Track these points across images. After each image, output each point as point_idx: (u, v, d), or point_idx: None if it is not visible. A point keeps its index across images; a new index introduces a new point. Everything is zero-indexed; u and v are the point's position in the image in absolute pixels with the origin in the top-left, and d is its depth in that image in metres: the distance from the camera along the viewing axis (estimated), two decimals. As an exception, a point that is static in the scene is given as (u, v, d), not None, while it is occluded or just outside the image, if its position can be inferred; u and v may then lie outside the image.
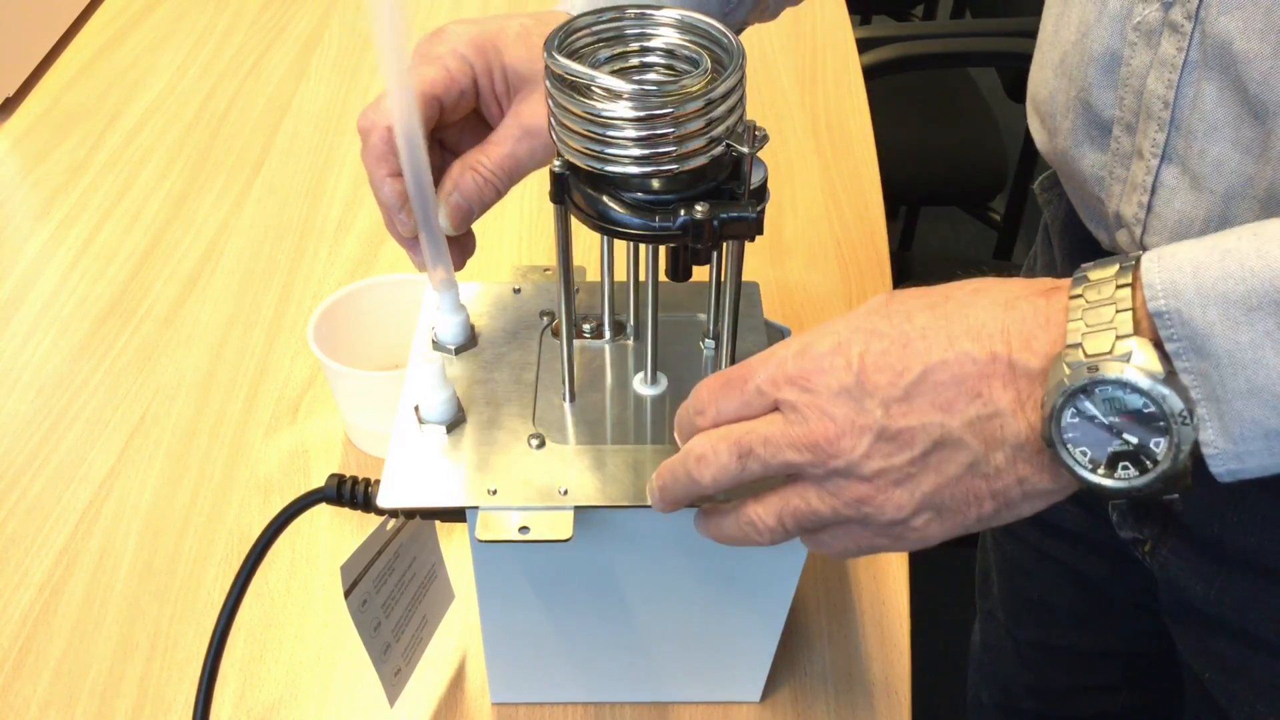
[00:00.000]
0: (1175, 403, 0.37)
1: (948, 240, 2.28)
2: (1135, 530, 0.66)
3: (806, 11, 1.30)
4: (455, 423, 0.52)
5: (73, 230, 0.97)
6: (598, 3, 0.55)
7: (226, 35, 1.25)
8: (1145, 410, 0.38)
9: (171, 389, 0.82)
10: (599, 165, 0.44)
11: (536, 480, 0.50)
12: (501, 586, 0.54)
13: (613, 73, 0.45)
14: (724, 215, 0.44)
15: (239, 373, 0.83)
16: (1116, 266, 0.40)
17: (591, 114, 0.42)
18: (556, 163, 0.46)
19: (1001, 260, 1.66)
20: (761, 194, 0.45)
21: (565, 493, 0.49)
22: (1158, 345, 0.38)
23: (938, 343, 0.40)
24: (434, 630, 0.63)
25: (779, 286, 0.92)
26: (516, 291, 0.60)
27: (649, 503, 0.48)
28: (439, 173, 0.53)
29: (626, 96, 0.42)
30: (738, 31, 0.73)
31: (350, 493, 0.52)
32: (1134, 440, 0.38)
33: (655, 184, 0.44)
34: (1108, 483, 0.39)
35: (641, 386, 0.55)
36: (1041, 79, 0.62)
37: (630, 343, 0.57)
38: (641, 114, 0.42)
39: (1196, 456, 0.38)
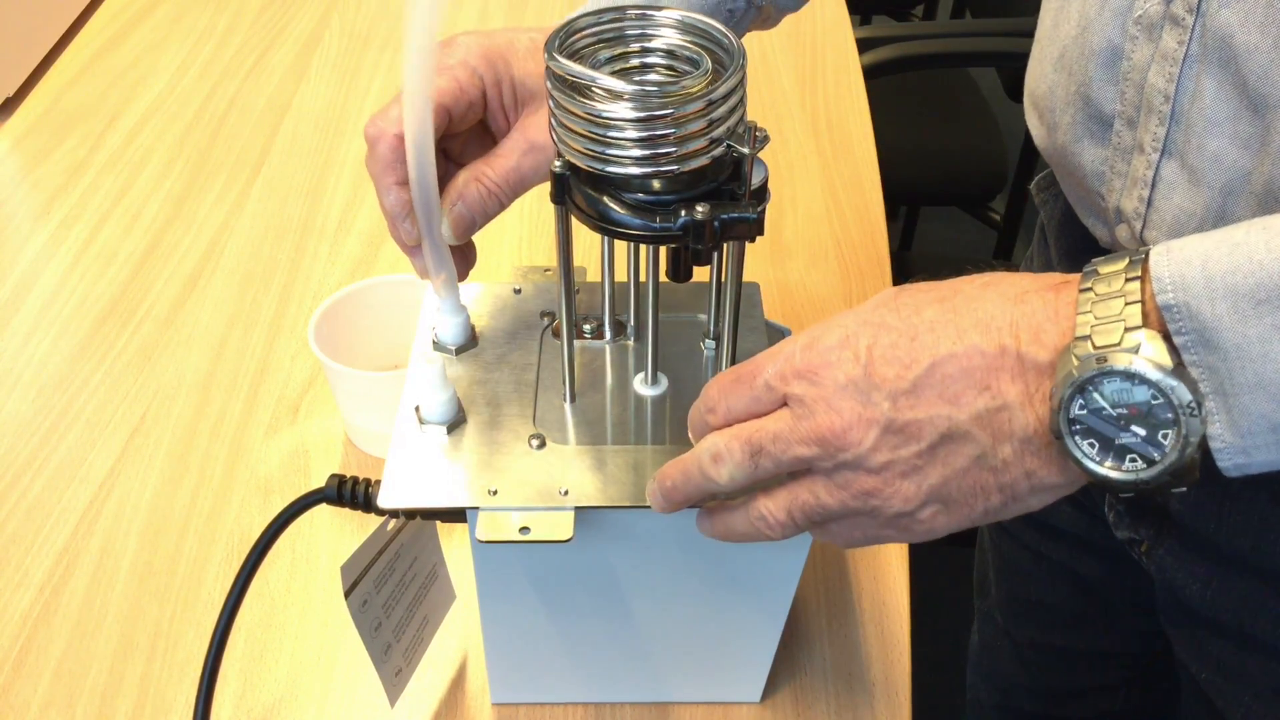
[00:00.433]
0: (1183, 395, 0.37)
1: (948, 240, 2.28)
2: (1132, 531, 0.66)
3: (806, 11, 1.30)
4: (456, 423, 0.52)
5: (73, 230, 0.97)
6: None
7: (226, 35, 1.25)
8: (1153, 402, 0.38)
9: (171, 389, 0.82)
10: (599, 166, 0.44)
11: (537, 481, 0.50)
12: (502, 587, 0.54)
13: (613, 73, 0.45)
14: (724, 216, 0.44)
15: (239, 373, 0.83)
16: (1126, 260, 0.40)
17: (592, 115, 0.42)
18: (557, 163, 0.46)
19: (1002, 260, 1.66)
20: (762, 194, 0.45)
21: (566, 493, 0.49)
22: (1166, 338, 0.38)
23: (946, 335, 0.41)
24: (435, 630, 0.63)
25: (779, 287, 0.92)
26: (517, 292, 0.60)
27: (648, 504, 0.48)
28: (442, 182, 0.53)
29: (627, 97, 0.42)
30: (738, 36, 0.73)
31: (351, 493, 0.52)
32: (1141, 433, 0.38)
33: (656, 184, 0.44)
34: (1115, 475, 0.39)
35: (642, 387, 0.55)
36: (1040, 74, 0.62)
37: (631, 343, 0.57)
38: (642, 115, 0.42)
39: (1204, 451, 0.38)
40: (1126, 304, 0.38)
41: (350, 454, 0.77)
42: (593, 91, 0.43)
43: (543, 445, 0.51)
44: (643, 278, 0.55)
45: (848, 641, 0.66)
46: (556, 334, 0.57)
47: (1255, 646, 0.62)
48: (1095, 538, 0.74)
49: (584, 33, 0.46)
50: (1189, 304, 0.37)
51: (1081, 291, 0.40)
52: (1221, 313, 0.37)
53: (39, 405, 0.81)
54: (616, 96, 0.42)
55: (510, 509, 0.48)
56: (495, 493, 0.49)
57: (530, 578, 0.54)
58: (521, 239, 0.96)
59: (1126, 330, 0.38)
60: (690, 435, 0.47)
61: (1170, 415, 0.38)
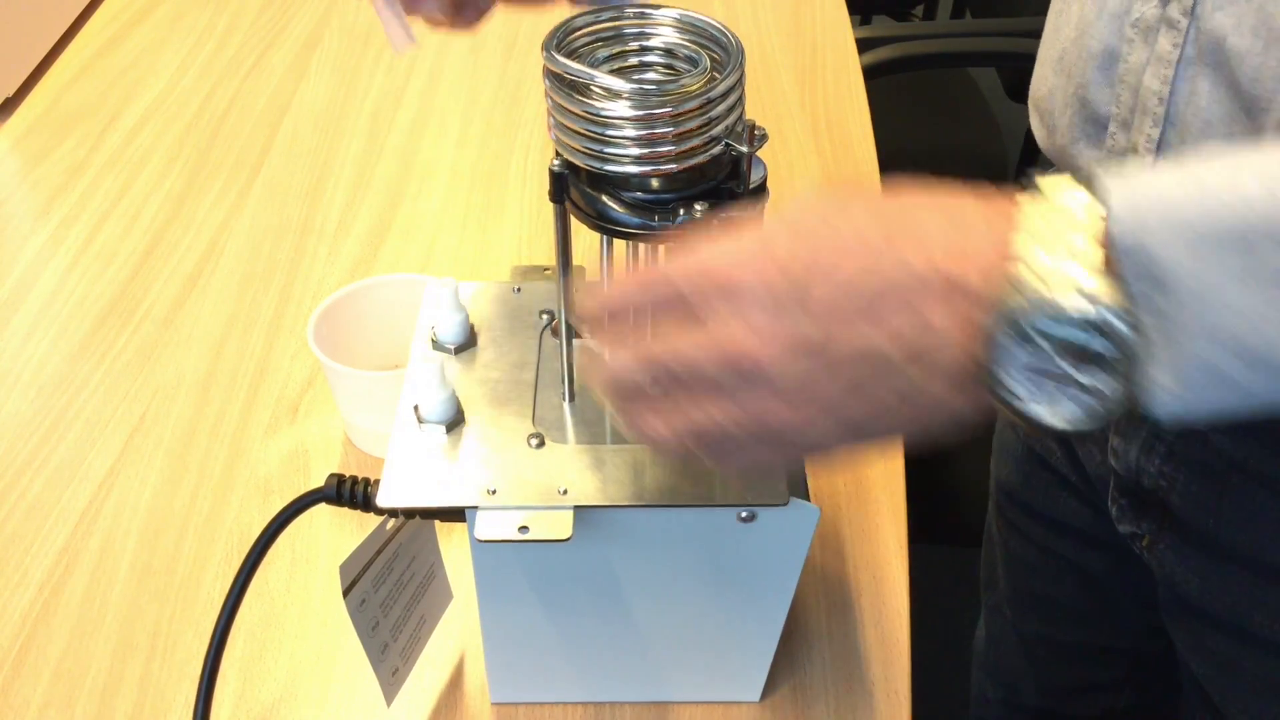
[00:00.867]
0: (1127, 335, 0.34)
1: (948, 240, 2.28)
2: (1134, 525, 0.67)
3: (806, 11, 1.30)
4: (455, 422, 0.52)
5: (73, 230, 0.97)
6: None
7: (226, 35, 1.25)
8: (1091, 341, 0.35)
9: (171, 389, 0.82)
10: (598, 164, 0.44)
11: (536, 480, 0.50)
12: (501, 586, 0.54)
13: (612, 72, 0.45)
14: (723, 214, 0.44)
15: (239, 373, 0.83)
16: (1075, 183, 0.36)
17: (591, 113, 0.42)
18: (556, 162, 0.46)
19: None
20: (761, 193, 0.45)
21: (565, 492, 0.49)
22: (1113, 273, 0.35)
23: (875, 251, 0.37)
24: (432, 630, 0.63)
25: (779, 286, 0.91)
26: (516, 291, 0.60)
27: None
28: None
29: (626, 96, 0.42)
30: None
31: (350, 492, 0.52)
32: (1075, 373, 0.35)
33: (654, 183, 0.44)
34: (1045, 417, 0.36)
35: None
36: (1041, 76, 0.62)
37: (630, 342, 0.57)
38: (641, 113, 0.42)
39: (1140, 396, 0.35)
40: (1072, 232, 0.35)
41: (350, 454, 0.77)
42: (591, 90, 0.43)
43: (542, 444, 0.51)
44: (642, 277, 0.55)
45: (848, 641, 0.66)
46: (555, 333, 0.57)
47: (1251, 641, 0.62)
48: (1100, 533, 0.74)
49: (582, 31, 0.46)
50: (1143, 242, 0.34)
51: (1023, 212, 0.37)
52: (1179, 253, 0.33)
53: (39, 405, 0.81)
54: (615, 95, 0.42)
55: (509, 508, 0.48)
56: (494, 492, 0.49)
57: (529, 577, 0.54)
58: (521, 239, 0.96)
59: (1070, 259, 0.35)
60: (579, 326, 0.43)
61: (1111, 355, 0.35)
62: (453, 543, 0.68)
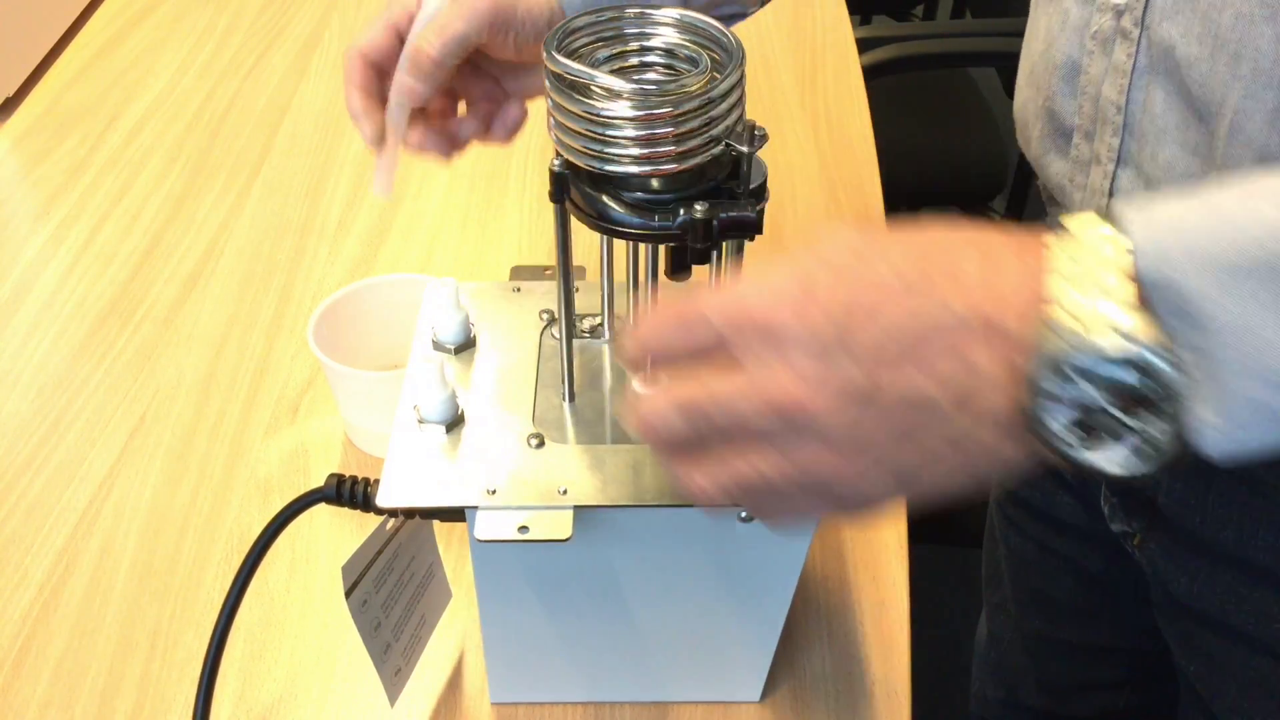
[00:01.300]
0: (1169, 374, 0.33)
1: (948, 240, 2.28)
2: (1125, 524, 0.67)
3: (806, 11, 1.30)
4: (454, 422, 0.52)
5: (73, 230, 0.97)
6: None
7: (226, 35, 1.25)
8: (1134, 383, 0.34)
9: (171, 389, 0.82)
10: (598, 165, 0.44)
11: (536, 480, 0.50)
12: (501, 586, 0.54)
13: (612, 72, 0.45)
14: (723, 214, 0.44)
15: (239, 373, 0.83)
16: (1098, 221, 0.36)
17: (591, 113, 0.42)
18: (556, 162, 0.46)
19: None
20: (761, 193, 0.45)
21: (564, 492, 0.49)
22: (1148, 310, 0.34)
23: (919, 294, 0.36)
24: (432, 629, 0.63)
25: (779, 286, 0.91)
26: (516, 291, 0.60)
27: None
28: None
29: (626, 96, 0.42)
30: (737, 20, 0.74)
31: (350, 492, 0.52)
32: (1123, 416, 0.34)
33: (655, 183, 0.44)
34: (1096, 462, 0.35)
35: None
36: (1018, 89, 0.64)
37: (630, 342, 0.57)
38: (641, 113, 0.42)
39: (1189, 436, 0.34)
40: (1102, 270, 0.34)
41: (350, 454, 0.77)
42: (592, 90, 0.43)
43: (542, 444, 0.51)
44: (641, 277, 0.55)
45: (848, 641, 0.66)
46: (556, 333, 0.57)
47: (1239, 639, 0.63)
48: (1097, 531, 0.74)
49: (582, 31, 0.46)
50: (1169, 276, 0.33)
51: (1053, 253, 0.36)
52: (1207, 287, 0.33)
53: (39, 405, 0.81)
54: (615, 95, 0.42)
55: (509, 508, 0.48)
56: (494, 492, 0.49)
57: (529, 577, 0.54)
58: (521, 239, 0.96)
59: (1103, 298, 0.34)
60: (618, 359, 0.42)
61: (1156, 396, 0.34)
62: (453, 542, 0.68)
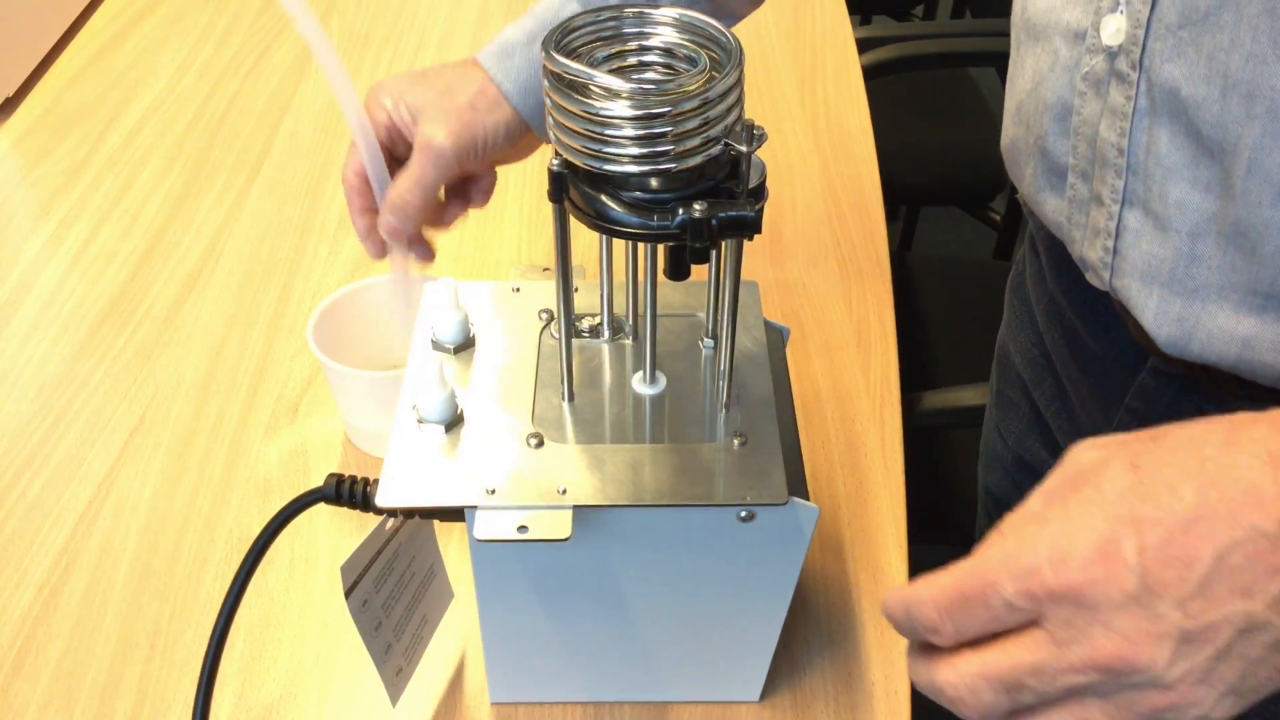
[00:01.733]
0: None
1: (948, 240, 2.28)
2: None
3: (806, 11, 1.30)
4: (454, 422, 0.52)
5: (73, 230, 0.97)
6: (521, 61, 0.66)
7: (226, 35, 1.25)
8: None
9: (171, 389, 0.82)
10: (597, 164, 0.44)
11: (535, 479, 0.49)
12: (500, 586, 0.54)
13: (611, 72, 0.45)
14: (722, 214, 0.44)
15: (239, 373, 0.83)
16: None
17: (590, 113, 0.42)
18: (555, 162, 0.46)
19: (1001, 260, 1.66)
20: (760, 193, 0.45)
21: (564, 492, 0.49)
22: None
23: (1220, 520, 0.36)
24: (434, 629, 0.63)
25: (778, 286, 0.92)
26: (516, 291, 0.60)
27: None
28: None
29: (625, 95, 0.42)
30: (735, 21, 0.74)
31: (349, 492, 0.52)
32: None
33: (654, 183, 0.44)
34: None
35: (640, 386, 0.55)
36: (1005, 125, 0.64)
37: (629, 342, 0.57)
38: (640, 113, 0.42)
39: None
40: None
41: (349, 454, 0.77)
42: (590, 90, 0.43)
43: (541, 444, 0.51)
44: (641, 276, 0.55)
45: (848, 641, 0.66)
46: (555, 333, 0.57)
47: None
48: None
49: (581, 31, 0.46)
50: None
51: None
52: None
53: (39, 405, 0.81)
54: (614, 95, 0.42)
55: (508, 508, 0.48)
56: (493, 492, 0.49)
57: (529, 577, 0.54)
58: (521, 238, 0.96)
59: None
60: (894, 627, 0.41)
61: None
62: (453, 542, 0.68)
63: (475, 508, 0.49)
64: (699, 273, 0.50)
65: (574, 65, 0.43)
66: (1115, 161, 0.53)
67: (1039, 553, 0.37)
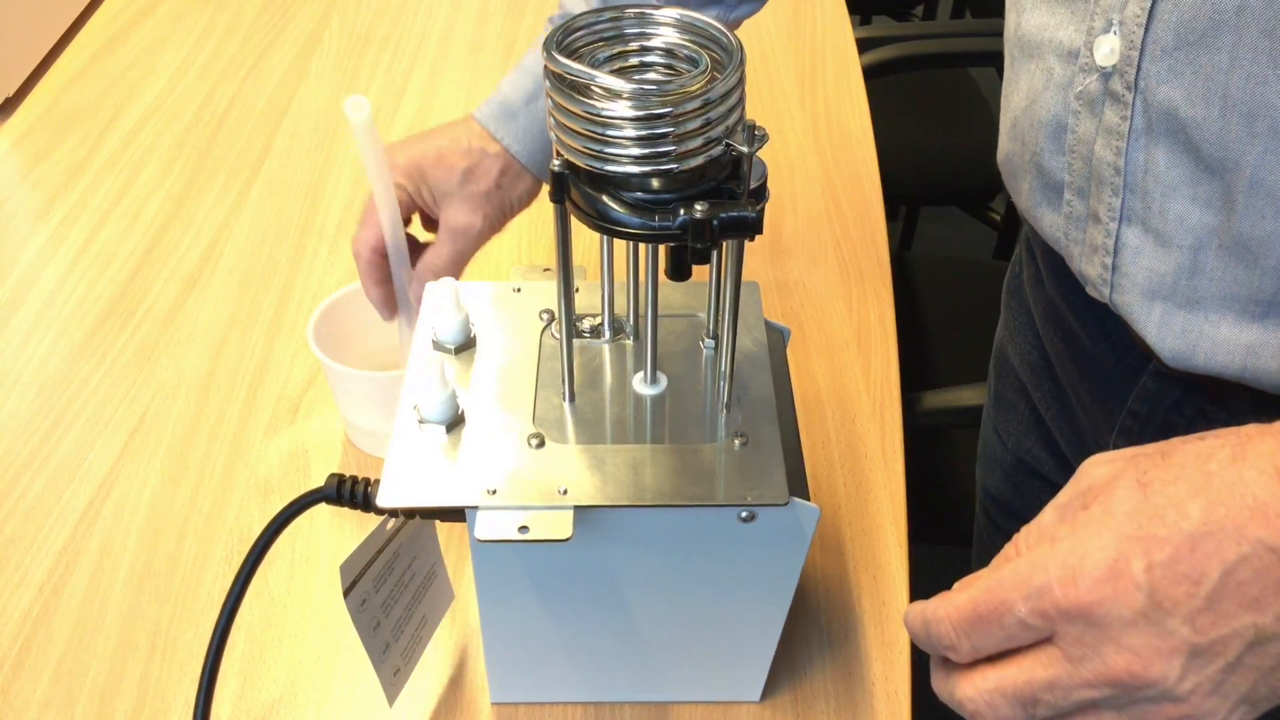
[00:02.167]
0: None
1: (948, 240, 2.28)
2: None
3: (806, 11, 1.30)
4: (454, 422, 0.52)
5: (73, 230, 0.97)
6: (514, 91, 0.70)
7: (226, 35, 1.25)
8: None
9: (171, 389, 0.82)
10: (598, 165, 0.44)
11: (536, 480, 0.50)
12: (501, 586, 0.54)
13: (612, 72, 0.45)
14: (723, 214, 0.44)
15: (239, 373, 0.83)
16: None
17: (591, 113, 0.42)
18: (556, 162, 0.46)
19: (1001, 260, 1.66)
20: (761, 193, 0.45)
21: (565, 492, 0.49)
22: None
23: (1227, 537, 0.36)
24: (433, 630, 0.63)
25: (779, 286, 0.92)
26: (516, 291, 0.60)
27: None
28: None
29: (626, 96, 0.42)
30: (737, 22, 0.74)
31: (350, 492, 0.52)
32: None
33: (655, 183, 0.44)
34: None
35: (641, 386, 0.55)
36: (1001, 140, 0.64)
37: (630, 342, 0.57)
38: (641, 113, 0.42)
39: None
40: None
41: (350, 454, 0.77)
42: (591, 90, 0.43)
43: (542, 444, 0.51)
44: (642, 276, 0.55)
45: (848, 641, 0.66)
46: (556, 333, 0.57)
47: None
48: None
49: (583, 31, 0.46)
50: None
51: None
52: None
53: (39, 405, 0.81)
54: (615, 95, 0.42)
55: (509, 508, 0.48)
56: (494, 492, 0.49)
57: (529, 577, 0.54)
58: (521, 239, 0.96)
59: None
60: (914, 642, 0.43)
61: None
62: (453, 543, 0.68)
63: (476, 508, 0.49)
64: (700, 273, 0.50)
65: (575, 66, 0.43)
66: (1112, 180, 0.53)
67: (1049, 572, 0.38)
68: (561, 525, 0.48)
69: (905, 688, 0.64)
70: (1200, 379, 0.56)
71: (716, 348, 0.56)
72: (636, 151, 0.43)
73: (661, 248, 0.49)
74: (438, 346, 0.56)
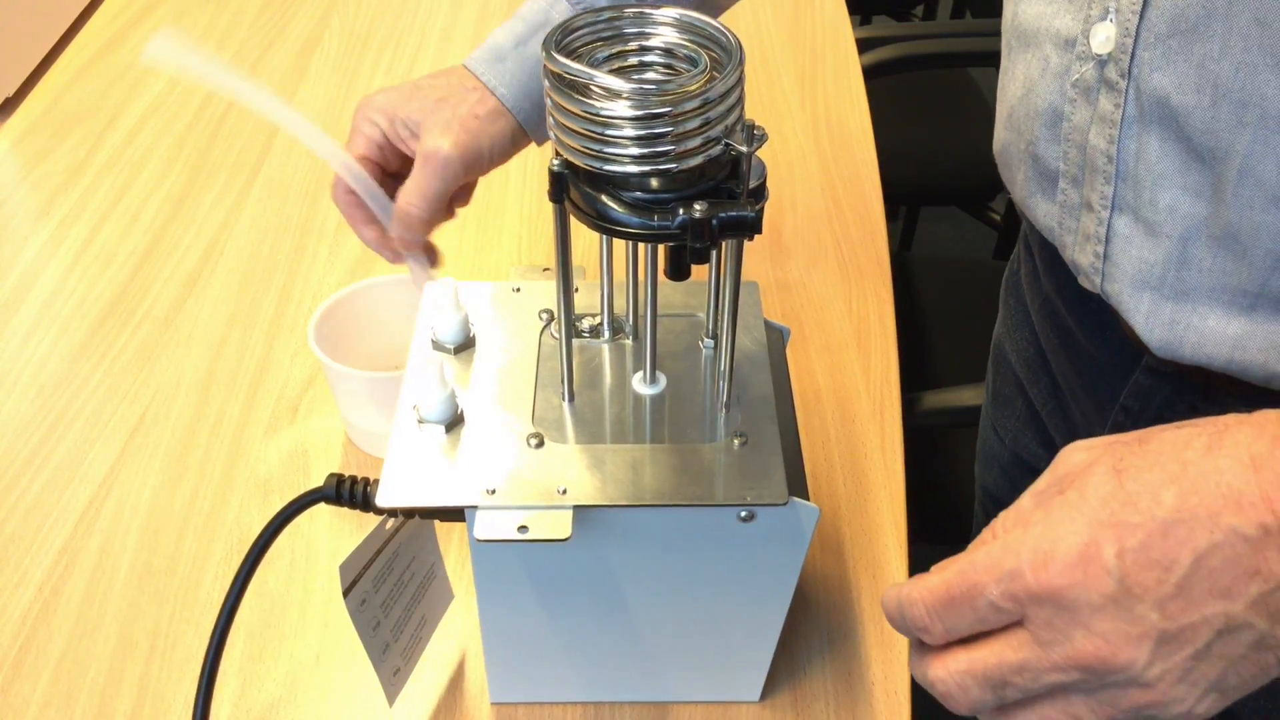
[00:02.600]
0: None
1: (948, 240, 2.28)
2: None
3: (806, 11, 1.30)
4: (454, 422, 0.52)
5: (73, 230, 0.97)
6: (507, 59, 0.68)
7: (226, 35, 1.25)
8: None
9: (171, 389, 0.82)
10: (598, 164, 0.44)
11: (535, 479, 0.50)
12: (500, 586, 0.54)
13: (611, 72, 0.45)
14: (722, 214, 0.44)
15: (239, 373, 0.83)
16: None
17: (590, 113, 0.42)
18: (555, 162, 0.46)
19: (1001, 260, 1.66)
20: (760, 193, 0.45)
21: (564, 492, 0.49)
22: None
23: (1199, 524, 0.36)
24: (433, 630, 0.63)
25: (779, 286, 0.92)
26: (516, 291, 0.60)
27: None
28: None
29: (625, 95, 0.42)
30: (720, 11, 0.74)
31: (349, 492, 0.52)
32: None
33: (654, 183, 0.44)
34: None
35: (640, 386, 0.55)
36: (997, 131, 0.64)
37: (629, 342, 0.57)
38: (640, 113, 0.42)
39: None
40: None
41: (350, 454, 0.77)
42: (591, 90, 0.43)
43: (541, 444, 0.51)
44: (641, 276, 0.55)
45: (848, 641, 0.66)
46: (555, 333, 0.57)
47: None
48: None
49: (582, 31, 0.46)
50: None
51: None
52: None
53: (39, 405, 0.81)
54: (615, 95, 0.42)
55: (509, 508, 0.48)
56: (493, 492, 0.49)
57: (529, 577, 0.54)
58: (521, 238, 0.96)
59: None
60: (891, 625, 0.43)
61: None
62: (453, 543, 0.68)
63: (475, 508, 0.49)
64: (699, 273, 0.50)
65: (574, 65, 0.43)
66: (1104, 168, 0.53)
67: (1021, 556, 0.38)
68: (561, 525, 0.48)
69: (905, 687, 0.64)
70: (1193, 376, 0.56)
71: (716, 347, 0.56)
72: (636, 151, 0.43)
73: (661, 247, 0.49)
74: (437, 346, 0.56)
